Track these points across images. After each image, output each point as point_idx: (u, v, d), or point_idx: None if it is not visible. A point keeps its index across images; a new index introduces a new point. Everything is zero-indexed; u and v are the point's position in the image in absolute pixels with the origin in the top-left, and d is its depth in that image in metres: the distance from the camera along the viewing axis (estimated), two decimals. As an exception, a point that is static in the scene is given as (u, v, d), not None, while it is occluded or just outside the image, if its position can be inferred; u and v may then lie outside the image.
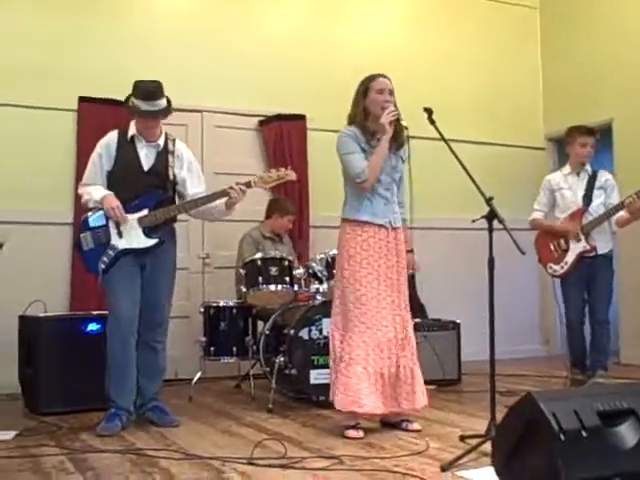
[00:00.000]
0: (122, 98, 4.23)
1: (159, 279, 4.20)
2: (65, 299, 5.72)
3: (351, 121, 3.98)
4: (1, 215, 5.27)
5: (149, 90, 4.06)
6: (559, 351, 5.40)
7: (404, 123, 3.91)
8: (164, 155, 4.21)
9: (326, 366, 4.58)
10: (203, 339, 5.21)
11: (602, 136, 6.96)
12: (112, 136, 4.23)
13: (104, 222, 4.12)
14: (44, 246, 5.62)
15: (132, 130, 4.19)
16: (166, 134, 4.29)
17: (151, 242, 4.11)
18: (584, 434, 2.38)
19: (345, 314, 3.89)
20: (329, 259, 4.93)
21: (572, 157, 5.29)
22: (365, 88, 3.93)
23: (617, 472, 2.38)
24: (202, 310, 5.29)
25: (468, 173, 3.62)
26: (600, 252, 5.13)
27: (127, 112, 4.19)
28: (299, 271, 4.98)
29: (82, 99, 5.83)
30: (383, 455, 3.39)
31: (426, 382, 5.05)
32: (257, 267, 4.93)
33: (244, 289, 4.98)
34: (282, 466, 3.20)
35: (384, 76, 3.95)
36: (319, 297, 4.88)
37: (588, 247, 5.09)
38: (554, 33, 7.70)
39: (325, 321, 4.69)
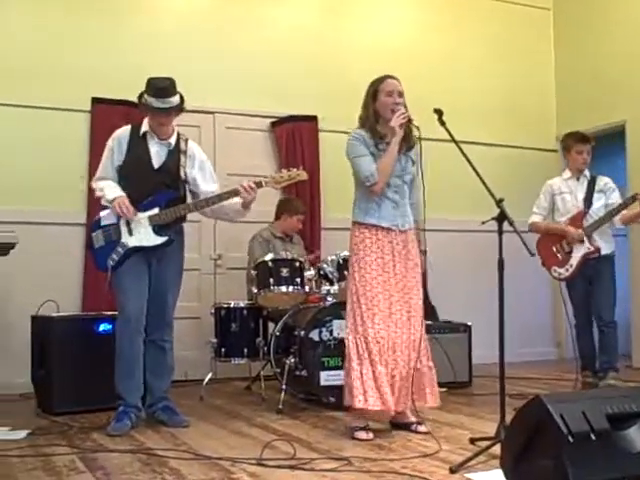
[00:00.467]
0: (135, 99, 4.25)
1: (167, 278, 4.22)
2: (78, 299, 5.75)
3: (362, 124, 3.97)
4: (14, 215, 5.31)
5: (161, 87, 4.07)
6: (571, 354, 5.37)
7: (416, 124, 3.89)
8: (176, 154, 4.23)
9: (336, 367, 4.61)
10: (214, 340, 5.23)
11: (615, 138, 6.97)
12: (124, 130, 4.25)
13: (115, 220, 4.15)
14: (57, 246, 5.66)
15: (145, 126, 4.21)
16: (178, 133, 4.30)
17: (160, 240, 4.13)
18: (593, 437, 2.37)
19: (358, 316, 3.89)
20: (340, 260, 4.95)
21: (570, 164, 5.34)
22: (374, 90, 3.92)
23: (625, 475, 2.37)
24: (213, 311, 5.31)
25: (478, 174, 3.61)
26: (603, 253, 5.14)
27: (140, 109, 4.21)
28: (310, 272, 4.99)
29: (95, 100, 5.88)
30: (392, 457, 3.39)
31: (437, 385, 5.08)
32: (268, 268, 4.94)
33: (255, 290, 4.99)
34: (291, 467, 3.20)
35: (393, 77, 3.93)
36: (330, 298, 4.89)
37: (592, 248, 5.10)
38: (568, 34, 7.68)
39: (336, 322, 4.71)
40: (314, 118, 6.60)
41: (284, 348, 4.95)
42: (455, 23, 7.36)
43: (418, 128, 3.90)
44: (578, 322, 5.26)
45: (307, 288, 4.97)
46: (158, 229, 4.13)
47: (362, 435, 3.79)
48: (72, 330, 4.66)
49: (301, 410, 4.69)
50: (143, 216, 4.12)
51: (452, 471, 3.09)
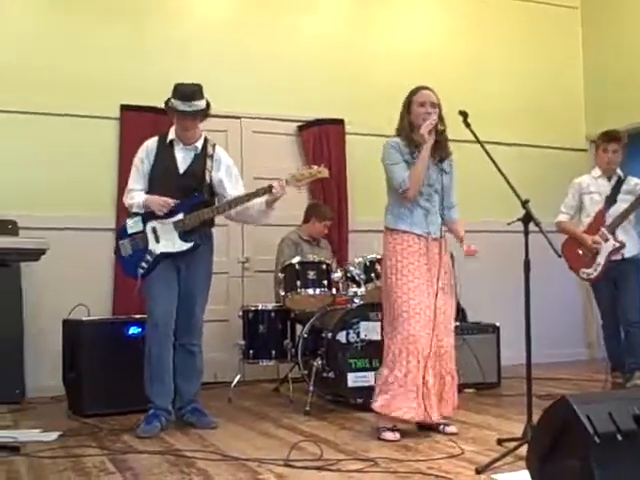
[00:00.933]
0: (162, 105, 4.31)
1: (195, 283, 4.25)
2: (108, 303, 5.83)
3: (398, 133, 4.03)
4: (45, 221, 5.40)
5: (188, 91, 4.13)
6: (602, 354, 5.33)
7: (440, 127, 3.90)
8: (202, 158, 4.27)
9: (364, 369, 4.64)
10: (242, 342, 5.27)
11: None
12: (152, 141, 4.33)
13: (141, 228, 4.20)
14: (87, 251, 5.74)
15: (171, 134, 4.28)
16: (205, 138, 4.35)
17: (186, 246, 4.17)
18: (619, 437, 2.35)
19: (389, 321, 3.92)
20: (367, 263, 4.96)
21: (598, 161, 5.26)
22: (408, 101, 3.99)
23: (653, 476, 2.35)
24: (241, 314, 5.35)
25: (504, 175, 3.60)
26: (627, 255, 5.08)
27: (167, 112, 4.26)
28: (337, 275, 5.00)
29: (124, 107, 5.96)
30: (418, 457, 3.39)
31: (465, 385, 5.08)
32: (295, 271, 4.96)
33: (282, 293, 5.01)
34: (318, 468, 3.22)
35: (427, 88, 3.98)
36: (357, 300, 4.90)
37: (617, 244, 5.03)
38: (596, 33, 7.61)
39: (363, 324, 4.72)
40: (341, 122, 6.62)
41: (311, 350, 4.97)
42: (481, 25, 7.33)
43: (444, 128, 3.92)
44: (605, 324, 5.22)
45: (334, 290, 4.98)
46: (184, 234, 4.17)
47: (389, 436, 3.80)
48: (101, 333, 4.73)
49: (328, 411, 4.70)
50: (168, 222, 4.16)
51: (478, 472, 3.08)
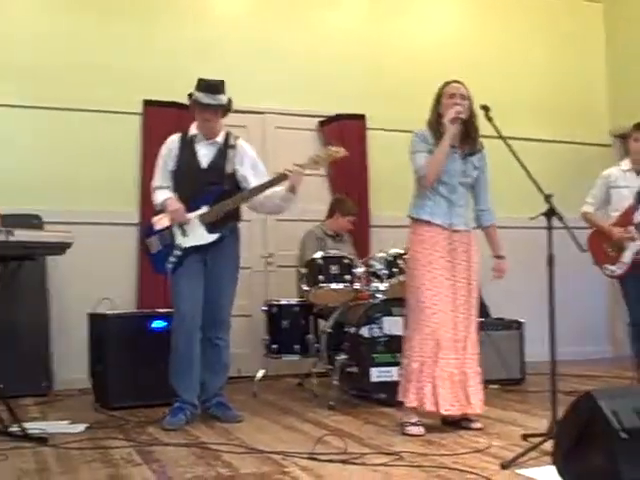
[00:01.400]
0: (185, 101, 4.34)
1: (222, 277, 4.26)
2: (133, 297, 5.89)
3: (428, 125, 4.03)
4: (70, 216, 5.43)
5: (211, 84, 4.15)
6: (629, 352, 5.28)
7: (462, 116, 3.89)
8: (224, 151, 4.28)
9: (387, 364, 4.65)
10: (266, 337, 5.29)
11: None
12: (174, 138, 4.36)
13: (167, 223, 4.24)
14: (112, 246, 5.79)
15: (192, 130, 4.31)
16: (228, 132, 4.36)
17: (212, 237, 4.19)
18: (645, 432, 2.35)
19: (410, 314, 3.94)
20: (389, 258, 4.96)
21: (630, 154, 5.18)
22: (439, 95, 4.01)
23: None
24: (264, 308, 5.37)
25: (526, 170, 3.59)
26: None
27: (189, 108, 4.29)
28: (359, 269, 5.01)
29: (147, 102, 6.00)
30: (443, 452, 3.40)
31: (489, 381, 5.05)
32: (318, 266, 4.97)
33: (305, 287, 5.03)
34: (342, 461, 3.24)
35: (457, 81, 4.00)
36: (379, 295, 4.91)
37: None
38: (619, 27, 7.54)
39: (386, 319, 4.73)
40: (362, 117, 6.62)
41: (335, 345, 4.98)
42: (504, 20, 7.29)
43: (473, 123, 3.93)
44: (632, 321, 5.14)
45: (357, 285, 4.98)
46: (211, 227, 4.19)
47: (413, 430, 3.81)
48: (126, 327, 4.78)
49: (352, 406, 4.72)
50: (194, 215, 4.19)
51: (503, 467, 3.09)
